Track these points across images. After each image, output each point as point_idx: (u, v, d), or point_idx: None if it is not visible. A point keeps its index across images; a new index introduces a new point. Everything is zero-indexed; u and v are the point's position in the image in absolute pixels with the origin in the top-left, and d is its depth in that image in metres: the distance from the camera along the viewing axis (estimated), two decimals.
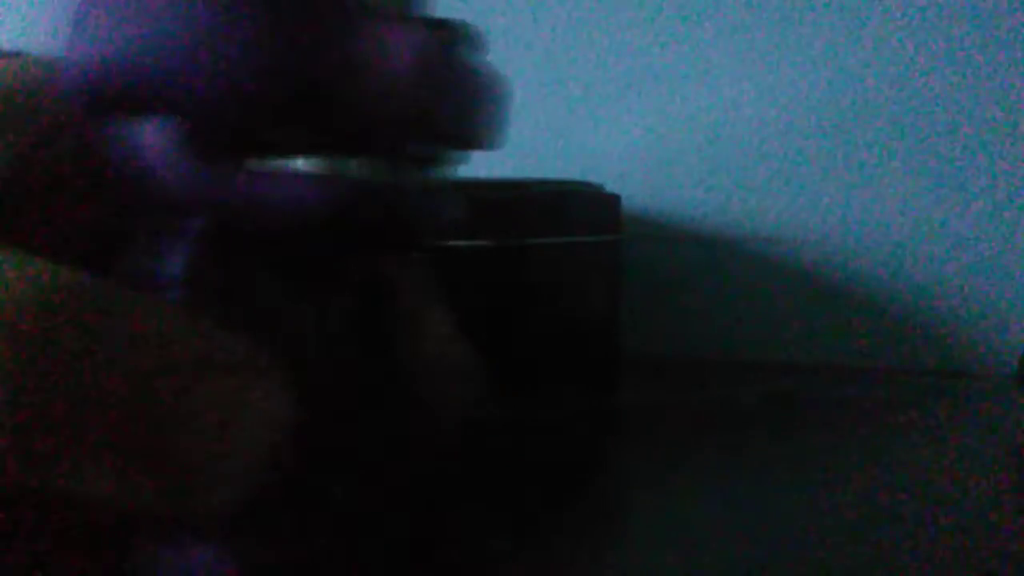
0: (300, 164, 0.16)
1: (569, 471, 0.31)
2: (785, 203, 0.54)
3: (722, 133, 0.54)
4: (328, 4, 0.15)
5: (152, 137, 0.16)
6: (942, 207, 0.51)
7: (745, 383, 0.46)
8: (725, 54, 0.54)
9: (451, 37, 0.16)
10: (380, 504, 0.20)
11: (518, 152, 0.58)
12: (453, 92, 0.16)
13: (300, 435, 0.16)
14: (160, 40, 0.15)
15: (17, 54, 0.18)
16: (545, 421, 0.38)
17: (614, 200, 0.49)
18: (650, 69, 0.56)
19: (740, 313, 0.54)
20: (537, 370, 0.41)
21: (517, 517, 0.26)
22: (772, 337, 0.54)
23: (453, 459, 0.22)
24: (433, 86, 0.16)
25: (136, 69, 0.15)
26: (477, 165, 0.62)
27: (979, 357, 0.51)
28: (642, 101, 0.56)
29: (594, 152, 0.57)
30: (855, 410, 0.40)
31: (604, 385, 0.46)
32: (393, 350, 0.20)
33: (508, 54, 0.62)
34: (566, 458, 0.33)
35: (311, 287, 0.18)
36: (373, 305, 0.19)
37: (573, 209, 0.45)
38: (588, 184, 0.48)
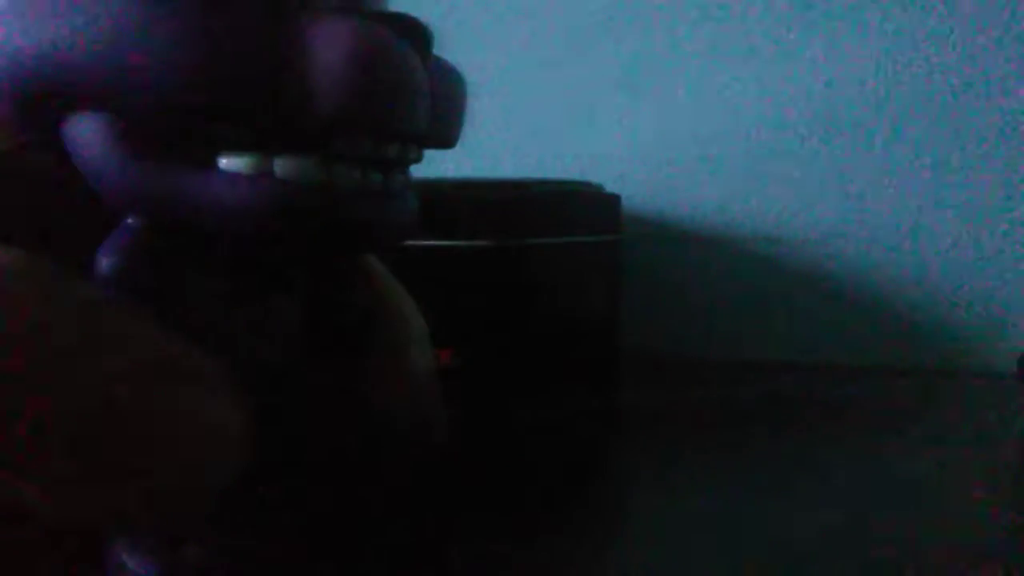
0: (234, 162, 0.16)
1: (569, 471, 0.31)
2: (785, 203, 0.54)
3: (722, 133, 0.54)
4: None
5: (84, 134, 0.15)
6: (942, 206, 0.51)
7: (745, 383, 0.46)
8: (725, 54, 0.54)
9: (394, 31, 0.16)
10: (363, 508, 0.20)
11: (518, 152, 0.59)
12: (392, 88, 0.15)
13: (255, 439, 0.16)
14: (89, 35, 0.15)
15: None
16: (545, 421, 0.38)
17: (614, 200, 0.49)
18: (650, 69, 0.56)
19: (740, 313, 0.54)
20: (537, 370, 0.41)
21: (517, 517, 0.26)
22: (772, 337, 0.54)
23: (441, 461, 0.22)
24: (368, 81, 0.15)
25: (66, 65, 0.15)
26: (477, 165, 0.62)
27: (979, 357, 0.51)
28: (642, 101, 0.56)
29: (594, 152, 0.57)
30: (855, 410, 0.40)
31: (604, 385, 0.46)
32: (346, 352, 0.20)
33: (508, 54, 0.62)
34: (566, 458, 0.33)
35: (250, 288, 0.17)
36: (321, 307, 0.19)
37: (573, 209, 0.45)
38: (588, 184, 0.48)
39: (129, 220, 0.16)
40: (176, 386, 0.15)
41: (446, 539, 0.24)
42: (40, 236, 0.16)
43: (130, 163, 0.15)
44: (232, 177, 0.15)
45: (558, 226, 0.43)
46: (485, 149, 0.59)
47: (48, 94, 0.15)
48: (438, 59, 0.18)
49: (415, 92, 0.16)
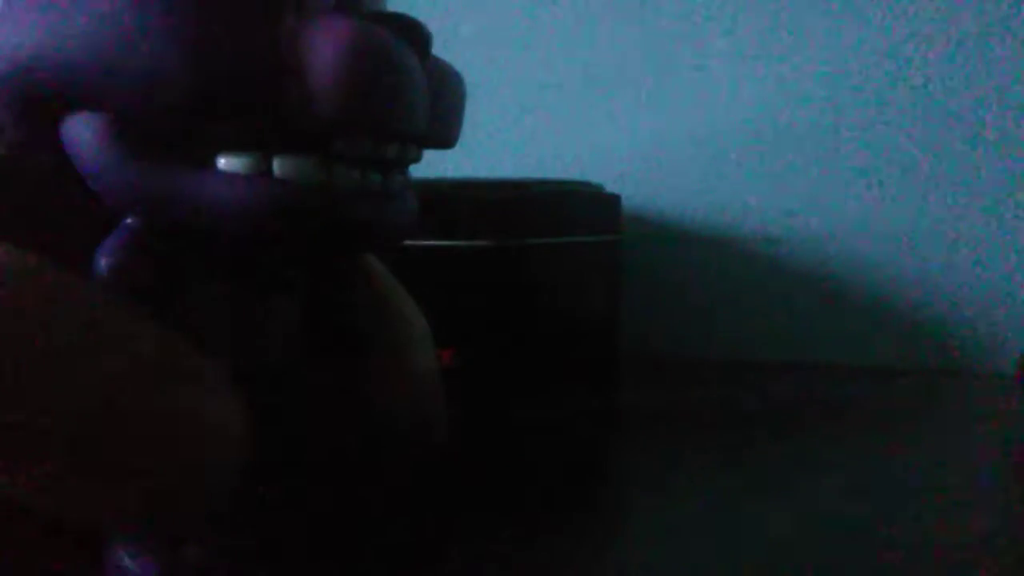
0: (233, 162, 0.16)
1: (569, 471, 0.31)
2: (785, 203, 0.54)
3: (722, 133, 0.54)
4: None
5: (83, 134, 0.15)
6: (942, 207, 0.51)
7: (745, 383, 0.46)
8: (724, 54, 0.54)
9: (392, 31, 0.16)
10: (363, 507, 0.20)
11: (518, 152, 0.59)
12: (391, 88, 0.15)
13: (255, 439, 0.16)
14: (87, 35, 0.15)
15: None
16: (545, 421, 0.38)
17: (614, 200, 0.49)
18: (650, 69, 0.56)
19: (740, 313, 0.54)
20: (537, 370, 0.41)
21: (517, 517, 0.26)
22: (772, 337, 0.54)
23: (441, 461, 0.22)
24: (367, 82, 0.15)
25: (64, 65, 0.15)
26: (477, 165, 0.62)
27: (979, 357, 0.51)
28: (642, 101, 0.56)
29: (594, 152, 0.57)
30: (855, 410, 0.40)
31: (604, 385, 0.46)
32: (346, 352, 0.20)
33: (508, 54, 0.62)
34: (566, 458, 0.33)
35: (249, 288, 0.17)
36: (321, 307, 0.19)
37: (573, 209, 0.45)
38: (588, 184, 0.48)
39: (128, 220, 0.16)
40: (176, 386, 0.15)
41: (446, 539, 0.24)
42: (40, 236, 0.16)
43: (129, 163, 0.15)
44: (231, 177, 0.15)
45: (558, 226, 0.43)
46: (485, 149, 0.59)
47: (47, 94, 0.15)
48: (437, 59, 0.18)
49: (414, 92, 0.16)
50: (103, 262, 0.16)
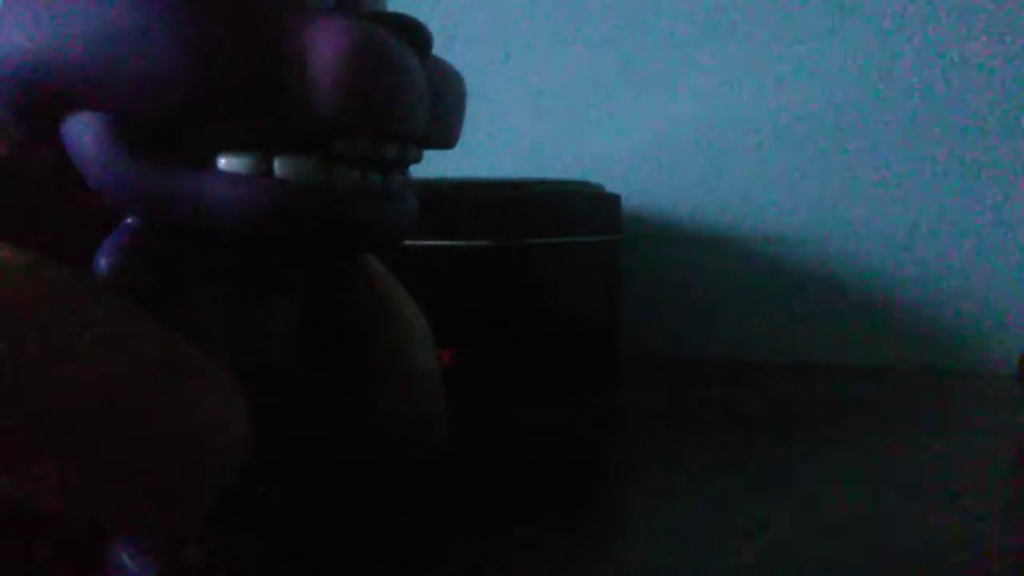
0: (233, 162, 0.16)
1: (569, 471, 0.31)
2: (785, 203, 0.54)
3: (722, 133, 0.54)
4: None
5: (84, 134, 0.15)
6: (943, 206, 0.51)
7: (745, 383, 0.46)
8: (724, 55, 0.54)
9: (392, 32, 0.16)
10: (363, 507, 0.20)
11: (518, 152, 0.59)
12: (391, 88, 0.15)
13: (255, 439, 0.16)
14: (88, 36, 0.15)
15: None
16: (545, 421, 0.38)
17: (614, 200, 0.49)
18: (650, 69, 0.56)
19: (740, 313, 0.54)
20: (537, 370, 0.41)
21: (517, 517, 0.26)
22: (772, 337, 0.54)
23: (441, 461, 0.22)
24: (367, 82, 0.15)
25: (65, 65, 0.15)
26: (477, 165, 0.62)
27: (979, 357, 0.51)
28: (642, 101, 0.56)
29: (594, 152, 0.57)
30: (855, 410, 0.40)
31: (604, 385, 0.46)
32: (347, 352, 0.19)
33: (508, 54, 0.62)
34: (566, 458, 0.33)
35: (250, 288, 0.17)
36: (321, 307, 0.19)
37: (573, 209, 0.45)
38: (588, 184, 0.48)
39: (129, 220, 0.16)
40: (176, 386, 0.15)
41: (446, 539, 0.24)
42: (40, 236, 0.16)
43: (129, 163, 0.15)
44: (231, 177, 0.15)
45: (558, 226, 0.43)
46: (485, 149, 0.59)
47: (47, 94, 0.15)
48: (437, 59, 0.18)
49: (414, 93, 0.16)
50: (103, 262, 0.16)
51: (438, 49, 0.18)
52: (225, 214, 0.15)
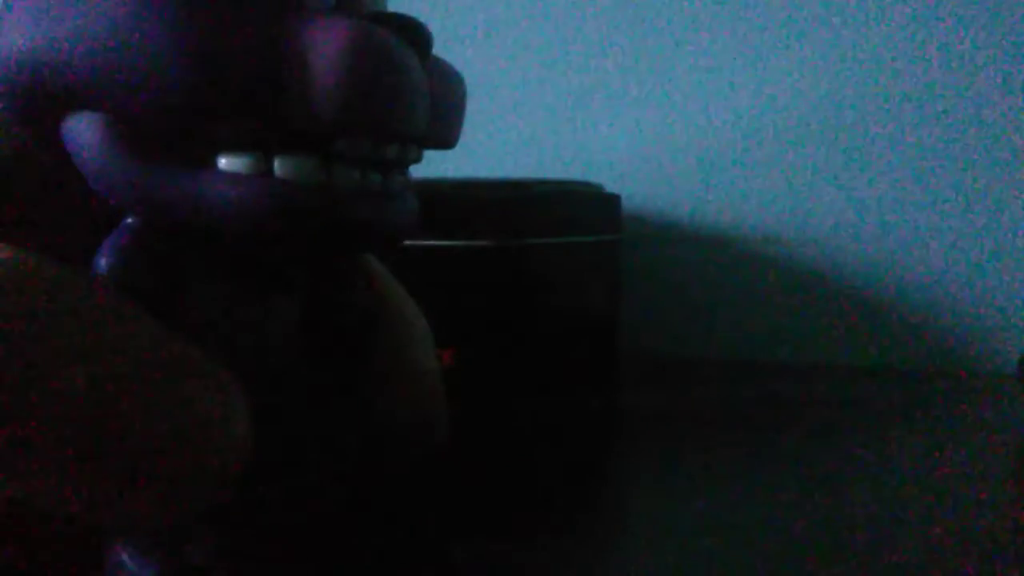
0: (234, 162, 0.16)
1: (569, 471, 0.31)
2: (785, 203, 0.54)
3: (721, 133, 0.54)
4: None
5: (84, 134, 0.15)
6: (942, 207, 0.51)
7: (745, 383, 0.46)
8: (724, 54, 0.54)
9: (393, 31, 0.16)
10: (363, 507, 0.20)
11: (518, 152, 0.59)
12: (391, 88, 0.15)
13: (256, 441, 0.16)
14: (87, 35, 0.15)
15: None
16: (545, 421, 0.38)
17: (614, 200, 0.49)
18: (650, 69, 0.56)
19: (740, 313, 0.54)
20: (537, 370, 0.41)
21: (517, 517, 0.26)
22: (772, 337, 0.54)
23: (441, 460, 0.22)
24: (367, 82, 0.15)
25: (64, 65, 0.15)
26: (477, 165, 0.62)
27: (979, 357, 0.51)
28: (642, 101, 0.56)
29: (594, 152, 0.57)
30: (855, 410, 0.40)
31: (604, 385, 0.46)
32: (347, 353, 0.19)
33: (507, 54, 0.62)
34: (566, 458, 0.33)
35: (250, 288, 0.17)
36: (321, 307, 0.19)
37: (573, 209, 0.45)
38: (588, 184, 0.48)
39: (129, 220, 0.16)
40: (176, 385, 0.15)
41: (446, 539, 0.24)
42: (40, 236, 0.16)
43: (129, 163, 0.15)
44: (232, 177, 0.15)
45: (558, 226, 0.43)
46: (485, 149, 0.59)
47: (47, 94, 0.15)
48: (437, 59, 0.18)
49: (414, 92, 0.16)
50: (103, 262, 0.16)
51: (438, 49, 0.18)
52: (225, 214, 0.15)
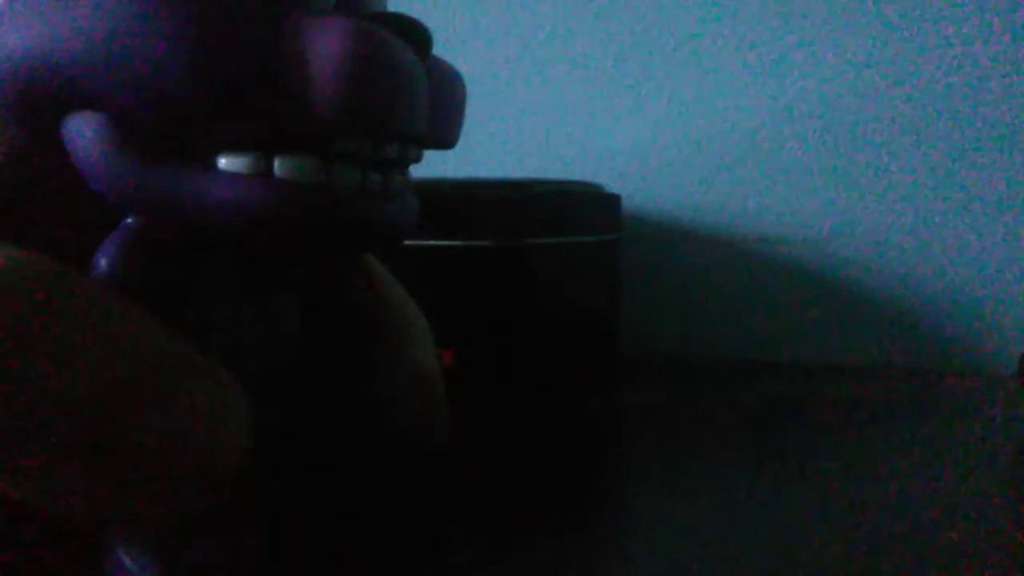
0: (234, 162, 0.16)
1: (569, 471, 0.31)
2: (785, 203, 0.54)
3: (722, 133, 0.54)
4: None
5: (84, 134, 0.15)
6: (942, 207, 0.51)
7: (745, 383, 0.46)
8: (725, 54, 0.54)
9: (392, 31, 0.16)
10: (363, 507, 0.20)
11: (518, 152, 0.59)
12: (391, 88, 0.15)
13: (256, 440, 0.16)
14: (87, 35, 0.15)
15: None
16: (545, 420, 0.38)
17: (614, 200, 0.49)
18: (650, 69, 0.56)
19: (740, 313, 0.54)
20: (537, 370, 0.41)
21: (517, 517, 0.26)
22: (772, 337, 0.54)
23: (441, 460, 0.22)
24: (367, 82, 0.15)
25: (64, 65, 0.15)
26: (477, 165, 0.62)
27: (979, 357, 0.51)
28: (642, 101, 0.56)
29: (594, 152, 0.57)
30: (855, 410, 0.40)
31: (604, 385, 0.46)
32: (347, 353, 0.20)
33: (507, 54, 0.62)
34: (566, 458, 0.33)
35: (250, 288, 0.17)
36: (321, 307, 0.19)
37: (573, 209, 0.45)
38: (588, 184, 0.48)
39: (129, 220, 0.16)
40: (177, 385, 0.15)
41: (446, 539, 0.24)
42: (40, 236, 0.16)
43: (130, 163, 0.15)
44: (231, 177, 0.15)
45: (558, 226, 0.43)
46: (485, 149, 0.59)
47: (47, 94, 0.15)
48: (437, 59, 0.18)
49: (414, 92, 0.16)
50: (103, 262, 0.16)
51: (438, 49, 0.18)
52: (225, 214, 0.15)
